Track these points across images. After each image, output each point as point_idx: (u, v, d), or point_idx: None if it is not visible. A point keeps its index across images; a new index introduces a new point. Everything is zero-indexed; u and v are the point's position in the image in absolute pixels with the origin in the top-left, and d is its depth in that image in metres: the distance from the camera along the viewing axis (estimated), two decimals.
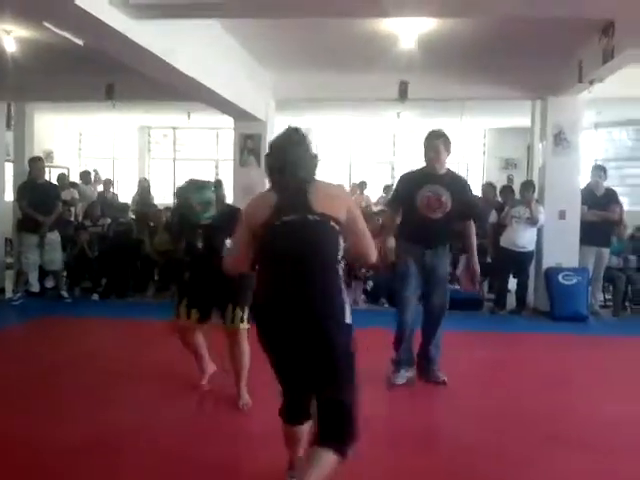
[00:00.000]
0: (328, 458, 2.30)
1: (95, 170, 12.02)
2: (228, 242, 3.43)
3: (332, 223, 2.37)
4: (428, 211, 4.21)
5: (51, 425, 3.50)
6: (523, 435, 3.53)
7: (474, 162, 14.01)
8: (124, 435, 3.40)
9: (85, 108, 10.92)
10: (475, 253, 4.47)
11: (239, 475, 3.05)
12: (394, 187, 5.15)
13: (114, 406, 3.85)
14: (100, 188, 11.25)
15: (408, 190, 4.34)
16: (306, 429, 2.56)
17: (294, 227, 2.36)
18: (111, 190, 11.26)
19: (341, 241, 2.40)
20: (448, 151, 4.30)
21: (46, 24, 4.13)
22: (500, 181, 11.80)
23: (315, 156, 2.56)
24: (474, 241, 4.47)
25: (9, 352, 4.99)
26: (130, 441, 3.34)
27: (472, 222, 4.45)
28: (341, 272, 2.41)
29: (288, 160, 2.46)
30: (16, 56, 6.23)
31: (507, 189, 8.24)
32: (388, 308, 7.32)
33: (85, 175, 11.23)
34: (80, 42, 4.48)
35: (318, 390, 2.41)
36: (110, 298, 7.72)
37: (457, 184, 4.34)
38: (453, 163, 13.64)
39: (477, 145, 14.10)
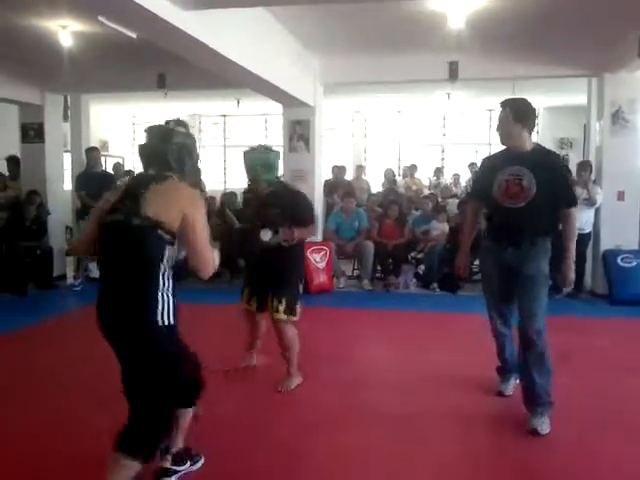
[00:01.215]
0: (124, 463, 2.26)
1: (118, 162, 11.82)
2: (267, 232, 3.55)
3: (159, 230, 2.21)
4: (507, 199, 3.43)
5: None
6: (585, 424, 3.47)
7: None
8: None
9: (138, 98, 11.16)
10: (569, 254, 3.43)
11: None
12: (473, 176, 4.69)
13: None
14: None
15: (486, 176, 3.61)
16: None
17: (113, 228, 2.28)
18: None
19: (168, 251, 2.26)
20: (522, 122, 3.48)
21: (100, 18, 4.23)
22: None
23: (188, 154, 2.43)
24: (571, 236, 3.44)
25: (74, 336, 5.19)
26: None
27: (571, 211, 3.43)
28: (163, 279, 2.28)
29: (143, 154, 2.44)
30: (71, 50, 6.42)
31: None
32: (439, 293, 7.29)
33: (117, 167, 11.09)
34: (133, 35, 4.58)
35: (127, 390, 2.35)
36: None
37: (544, 162, 3.45)
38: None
39: None
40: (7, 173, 8.71)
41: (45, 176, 8.28)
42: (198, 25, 4.42)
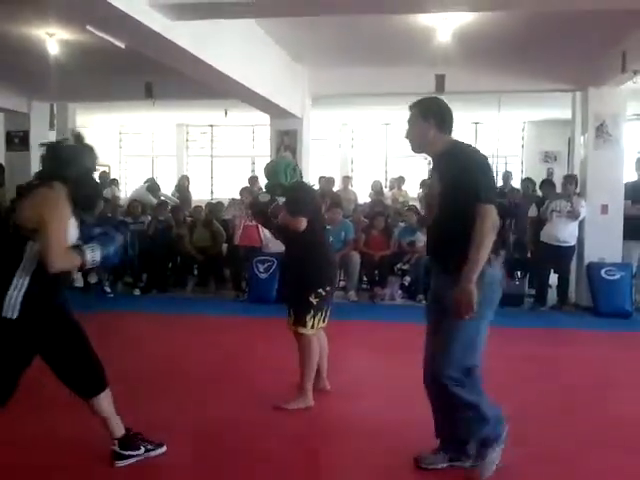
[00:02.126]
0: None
1: (104, 171, 11.58)
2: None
3: (22, 234, 2.56)
4: (430, 214, 2.97)
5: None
6: (568, 434, 3.48)
7: (513, 156, 13.78)
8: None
9: (125, 107, 11.13)
10: (470, 267, 2.62)
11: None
12: None
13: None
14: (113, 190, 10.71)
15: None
16: None
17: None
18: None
19: (28, 248, 2.57)
20: (430, 120, 2.85)
21: (89, 27, 4.23)
22: (540, 174, 11.60)
23: (69, 164, 2.75)
24: (475, 242, 2.62)
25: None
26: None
27: (479, 208, 2.66)
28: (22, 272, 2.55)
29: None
30: (58, 58, 6.39)
31: (547, 183, 8.10)
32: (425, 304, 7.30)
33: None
34: (121, 44, 4.58)
35: None
36: (151, 293, 7.87)
37: (451, 163, 2.80)
38: (491, 157, 13.50)
39: (516, 138, 13.87)
40: None
41: (31, 180, 8.21)
42: (186, 35, 4.44)
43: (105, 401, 2.85)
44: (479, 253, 2.61)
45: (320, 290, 3.66)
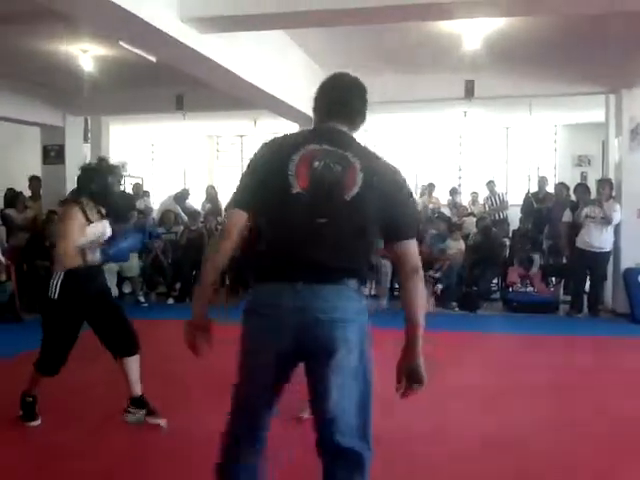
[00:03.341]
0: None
1: (137, 183, 11.82)
2: None
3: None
4: None
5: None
6: (605, 446, 3.40)
7: (545, 160, 13.60)
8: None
9: (156, 119, 11.31)
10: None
11: None
12: None
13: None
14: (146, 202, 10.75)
15: None
16: None
17: None
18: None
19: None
20: None
21: (121, 43, 4.32)
22: (573, 179, 11.42)
23: (92, 182, 3.53)
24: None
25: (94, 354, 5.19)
26: None
27: None
28: None
29: None
30: (92, 73, 6.53)
31: (581, 187, 7.95)
32: (458, 312, 7.23)
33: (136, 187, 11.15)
34: (153, 58, 4.66)
35: None
36: (185, 302, 7.95)
37: None
38: (523, 162, 13.33)
39: (548, 142, 13.68)
40: (29, 193, 8.86)
41: (66, 196, 8.38)
42: (215, 48, 4.49)
43: (134, 364, 3.56)
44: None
45: None
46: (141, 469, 3.12)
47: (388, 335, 6.41)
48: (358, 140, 2.06)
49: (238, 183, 2.06)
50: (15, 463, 3.14)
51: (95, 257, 3.41)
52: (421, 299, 2.00)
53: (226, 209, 2.07)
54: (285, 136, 2.18)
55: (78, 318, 3.46)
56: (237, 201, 2.00)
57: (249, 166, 2.07)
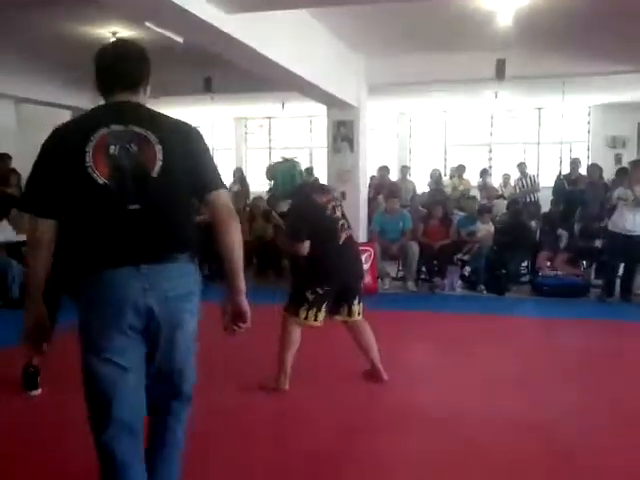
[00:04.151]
0: None
1: None
2: None
3: None
4: None
5: None
6: (637, 430, 3.35)
7: (578, 141, 13.31)
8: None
9: (185, 102, 11.36)
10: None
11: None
12: None
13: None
14: None
15: None
16: None
17: None
18: None
19: None
20: None
21: (147, 24, 4.33)
22: (607, 161, 11.17)
23: None
24: None
25: None
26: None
27: None
28: None
29: None
30: None
31: (622, 171, 7.70)
32: (486, 294, 7.16)
33: None
34: (180, 39, 4.66)
35: None
36: (214, 282, 8.02)
37: None
38: (555, 143, 13.09)
39: (581, 123, 13.38)
40: None
41: None
42: (242, 28, 4.47)
43: None
44: None
45: (318, 288, 3.75)
46: None
47: (416, 317, 6.42)
48: (143, 106, 2.02)
49: (32, 179, 1.95)
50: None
51: None
52: (237, 241, 2.04)
53: (24, 209, 1.96)
54: (73, 123, 2.09)
55: None
56: (39, 208, 1.91)
57: (43, 161, 1.92)
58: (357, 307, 3.91)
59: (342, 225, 3.85)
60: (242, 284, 2.10)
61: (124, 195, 1.87)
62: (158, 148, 1.91)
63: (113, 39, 6.28)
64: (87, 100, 8.43)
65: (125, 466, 1.96)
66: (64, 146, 1.91)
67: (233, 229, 2.01)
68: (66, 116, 8.79)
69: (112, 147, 1.87)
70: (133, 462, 1.98)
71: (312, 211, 3.78)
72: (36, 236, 1.92)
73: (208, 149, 2.10)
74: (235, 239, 2.02)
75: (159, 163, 1.89)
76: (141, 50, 2.11)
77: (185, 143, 1.98)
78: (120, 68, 2.02)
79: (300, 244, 3.70)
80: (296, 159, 4.07)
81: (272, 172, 3.95)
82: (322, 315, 3.81)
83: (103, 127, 1.90)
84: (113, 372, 1.91)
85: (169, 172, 1.91)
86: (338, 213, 3.86)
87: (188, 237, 2.02)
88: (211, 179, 2.01)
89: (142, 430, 2.03)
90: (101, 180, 1.86)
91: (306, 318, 3.78)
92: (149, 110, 2.03)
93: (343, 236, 3.83)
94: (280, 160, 4.04)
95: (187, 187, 1.97)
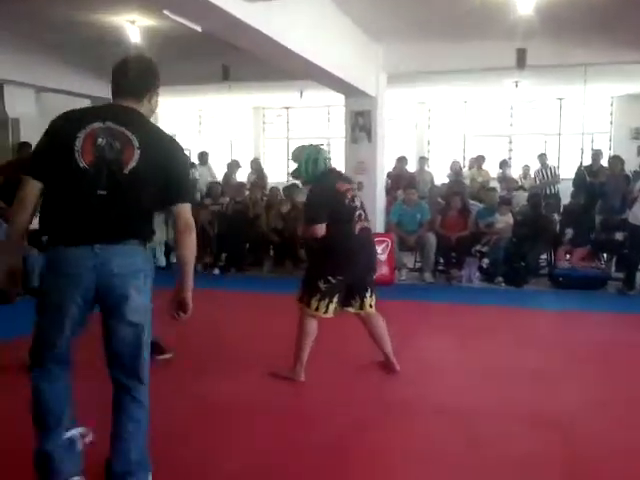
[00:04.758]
0: None
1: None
2: None
3: None
4: None
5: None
6: None
7: (600, 132, 13.11)
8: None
9: (204, 91, 11.38)
10: None
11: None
12: None
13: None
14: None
15: None
16: None
17: None
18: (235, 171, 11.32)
19: None
20: None
21: (165, 12, 4.32)
22: (630, 152, 11.00)
23: None
24: None
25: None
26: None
27: None
28: None
29: None
30: (139, 45, 6.59)
31: None
32: (504, 287, 7.11)
33: (202, 156, 11.48)
34: (198, 28, 4.65)
35: None
36: (230, 272, 8.06)
37: None
38: (576, 134, 12.91)
39: (604, 114, 13.17)
40: None
41: None
42: (260, 16, 4.45)
43: None
44: None
45: (329, 277, 3.73)
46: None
47: (433, 308, 6.40)
48: (139, 114, 2.33)
49: (34, 149, 2.35)
50: None
51: None
52: (189, 249, 2.34)
53: (26, 172, 2.27)
54: (74, 111, 2.40)
55: None
56: (32, 169, 2.26)
57: (46, 135, 2.28)
58: (369, 299, 3.90)
59: (359, 215, 3.82)
60: (191, 283, 2.37)
61: (97, 181, 2.18)
62: (137, 152, 2.21)
63: (132, 27, 6.30)
64: (106, 89, 8.46)
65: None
66: (64, 127, 2.25)
67: (187, 243, 2.32)
68: (85, 104, 8.84)
69: (100, 139, 2.19)
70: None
71: (332, 196, 3.76)
72: (20, 195, 2.25)
73: (185, 162, 2.42)
74: (187, 253, 2.33)
75: (133, 164, 2.20)
76: (147, 67, 2.43)
77: (164, 154, 2.28)
78: (125, 83, 2.36)
79: (318, 226, 3.68)
80: (323, 146, 4.05)
81: (296, 154, 3.93)
82: (333, 306, 3.79)
83: (99, 121, 2.22)
84: (55, 321, 2.23)
85: (139, 173, 2.20)
86: (357, 203, 3.84)
87: (142, 229, 2.31)
88: (178, 192, 2.31)
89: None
90: (82, 164, 2.17)
91: (317, 309, 3.77)
92: (142, 118, 2.33)
93: (359, 226, 3.81)
94: (307, 145, 4.03)
95: (154, 191, 2.25)
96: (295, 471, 2.81)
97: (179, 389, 3.72)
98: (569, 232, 7.47)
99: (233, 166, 11.41)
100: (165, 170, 2.26)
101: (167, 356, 4.15)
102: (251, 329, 5.21)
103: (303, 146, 3.97)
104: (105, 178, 2.18)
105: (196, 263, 8.15)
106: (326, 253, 3.77)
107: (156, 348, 3.85)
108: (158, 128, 2.38)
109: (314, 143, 4.10)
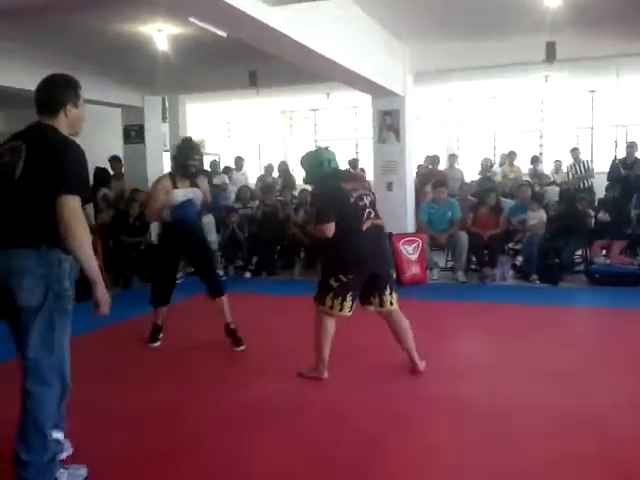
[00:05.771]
0: None
1: (214, 160, 11.87)
2: None
3: None
4: None
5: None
6: None
7: (635, 125, 12.80)
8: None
9: (231, 96, 11.45)
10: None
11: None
12: None
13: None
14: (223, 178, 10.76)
15: None
16: None
17: None
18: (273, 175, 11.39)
19: None
20: None
21: (191, 19, 4.37)
22: None
23: (174, 158, 4.69)
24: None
25: (182, 322, 5.37)
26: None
27: None
28: None
29: None
30: (167, 52, 6.66)
31: None
32: (539, 284, 6.99)
33: (238, 161, 11.53)
34: (223, 34, 4.69)
35: None
36: (261, 276, 8.10)
37: None
38: (609, 127, 12.63)
39: (637, 105, 12.86)
40: (112, 172, 9.25)
41: (146, 175, 8.66)
42: (284, 20, 4.47)
43: (222, 303, 4.63)
44: None
45: (341, 276, 3.75)
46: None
47: (466, 308, 6.33)
48: (46, 127, 2.53)
49: None
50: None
51: (166, 215, 4.50)
52: (77, 239, 2.40)
53: None
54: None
55: (171, 258, 4.69)
56: None
57: None
58: (389, 297, 3.88)
59: (368, 213, 3.82)
60: (91, 275, 2.45)
61: None
62: (22, 161, 2.43)
63: (159, 36, 6.38)
64: (136, 98, 8.60)
65: None
66: None
67: (74, 232, 2.38)
68: (117, 114, 9.00)
69: (5, 157, 2.48)
70: None
71: (336, 195, 3.77)
72: None
73: (75, 159, 2.46)
74: (73, 242, 2.39)
75: (19, 171, 2.42)
76: (57, 84, 2.62)
77: (49, 155, 2.42)
78: (39, 102, 2.59)
79: (326, 225, 3.69)
80: (328, 148, 4.07)
81: (303, 161, 3.98)
82: (348, 305, 3.79)
83: (10, 140, 2.54)
84: None
85: (26, 179, 2.41)
86: (365, 201, 3.82)
87: (36, 231, 2.43)
88: (59, 186, 2.38)
89: None
90: None
91: (332, 307, 3.79)
92: (45, 131, 2.52)
93: (367, 224, 3.79)
94: (313, 150, 4.08)
95: (42, 193, 2.39)
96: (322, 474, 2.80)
97: (208, 391, 3.75)
98: (603, 216, 7.29)
99: (268, 169, 11.47)
100: (49, 167, 2.39)
101: (242, 348, 4.63)
102: (281, 330, 5.23)
103: (310, 152, 4.03)
104: (1, 189, 2.46)
105: (227, 266, 8.35)
106: (335, 252, 3.81)
107: (233, 339, 4.65)
108: (55, 136, 2.50)
109: (322, 146, 4.16)
